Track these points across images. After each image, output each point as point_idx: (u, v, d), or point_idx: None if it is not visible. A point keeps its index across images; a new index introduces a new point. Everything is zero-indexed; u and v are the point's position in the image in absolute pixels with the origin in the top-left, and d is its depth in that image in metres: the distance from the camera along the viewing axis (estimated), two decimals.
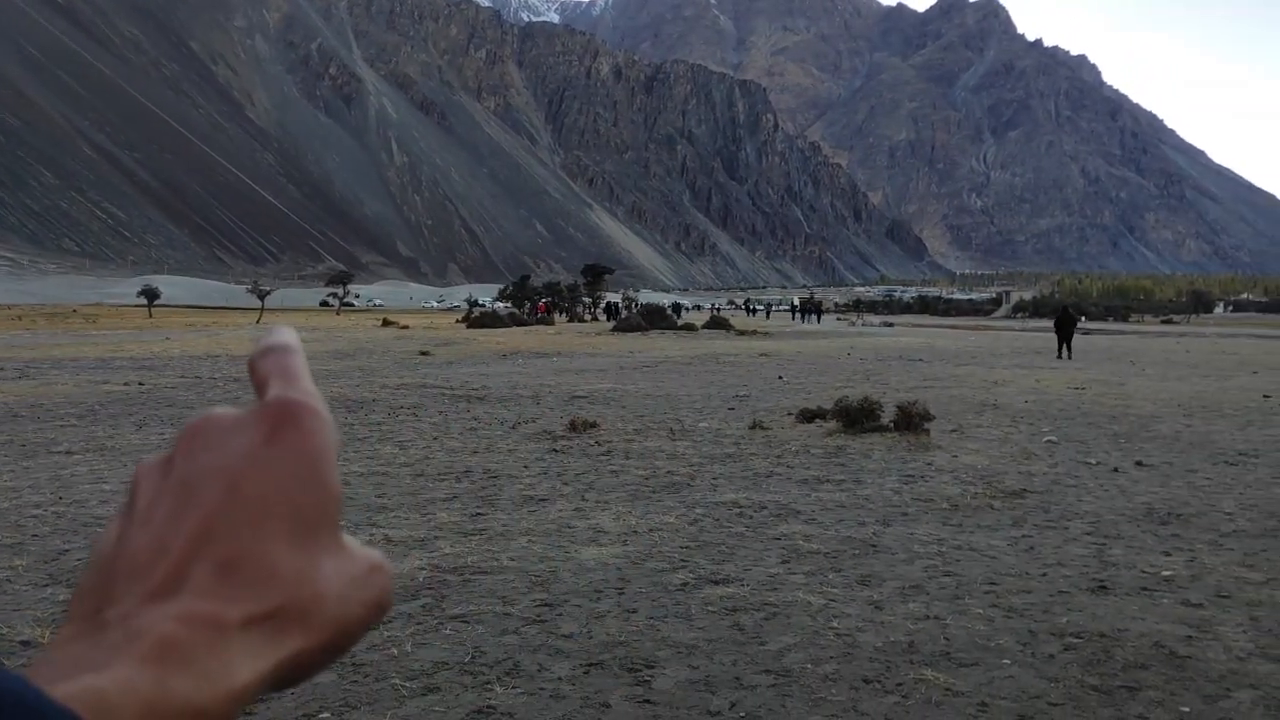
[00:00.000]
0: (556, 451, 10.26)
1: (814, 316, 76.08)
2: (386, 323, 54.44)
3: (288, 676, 0.37)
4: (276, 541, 0.37)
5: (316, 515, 0.39)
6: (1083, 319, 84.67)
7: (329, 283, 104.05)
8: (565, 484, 8.58)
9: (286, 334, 0.46)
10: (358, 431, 11.66)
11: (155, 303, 73.93)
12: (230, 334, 38.62)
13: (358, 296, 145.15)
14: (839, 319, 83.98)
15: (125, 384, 16.93)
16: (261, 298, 70.58)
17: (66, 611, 0.38)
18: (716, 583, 5.71)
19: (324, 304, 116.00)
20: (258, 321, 57.68)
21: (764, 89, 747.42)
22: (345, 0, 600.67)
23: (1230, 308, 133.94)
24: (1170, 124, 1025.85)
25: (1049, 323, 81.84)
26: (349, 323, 59.44)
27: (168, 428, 11.82)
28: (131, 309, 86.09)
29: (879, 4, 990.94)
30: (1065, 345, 27.91)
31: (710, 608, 5.26)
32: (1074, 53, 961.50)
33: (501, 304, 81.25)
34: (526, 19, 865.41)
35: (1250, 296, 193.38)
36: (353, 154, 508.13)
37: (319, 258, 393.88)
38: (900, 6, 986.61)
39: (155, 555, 0.37)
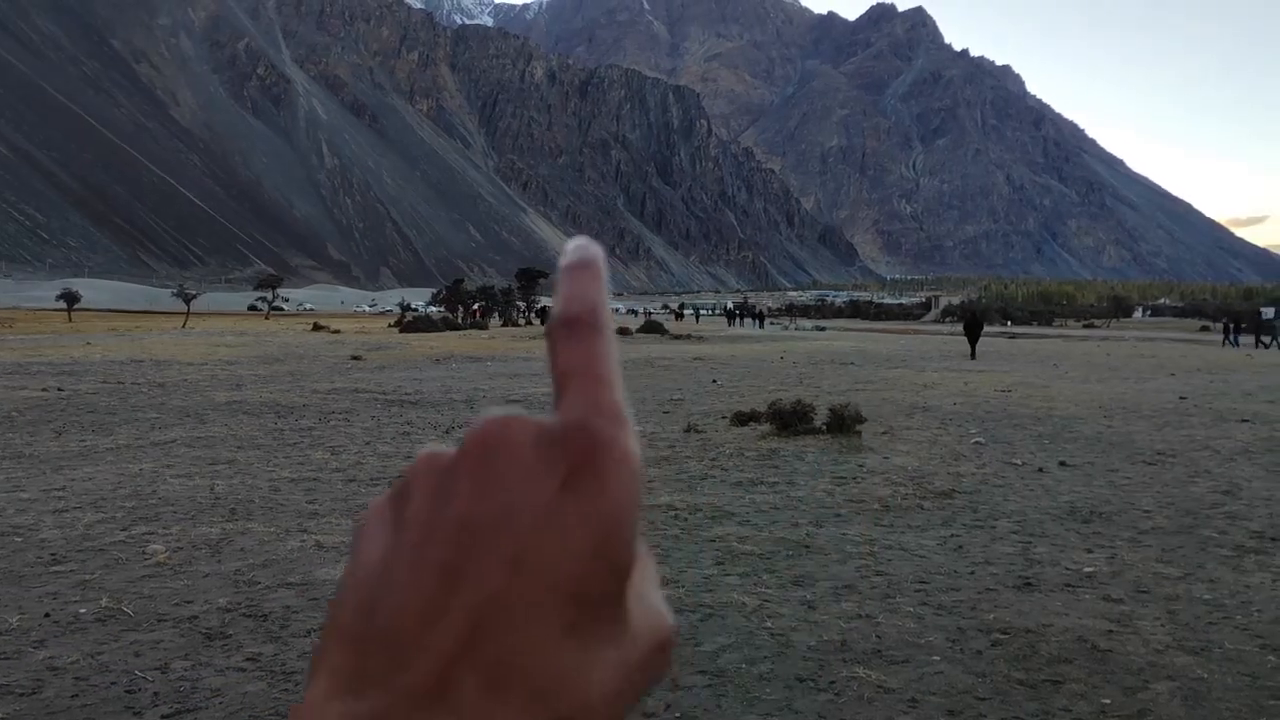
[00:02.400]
0: None
1: (755, 321, 76.19)
2: (317, 327, 53.60)
3: None
4: (552, 635, 0.32)
5: (602, 596, 0.33)
6: (1008, 323, 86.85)
7: (258, 286, 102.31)
8: None
9: (592, 289, 0.37)
10: (288, 437, 11.47)
11: (75, 307, 72.04)
12: (154, 338, 37.68)
13: (287, 300, 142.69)
14: (772, 323, 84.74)
15: (44, 390, 16.43)
16: (187, 301, 69.09)
17: (320, 644, 0.34)
18: None
19: (253, 308, 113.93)
20: (183, 326, 56.35)
21: (698, 94, 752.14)
22: (274, 0, 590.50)
23: (1149, 312, 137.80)
24: (1091, 133, 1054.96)
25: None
26: (279, 327, 58.40)
27: (89, 434, 11.49)
28: (50, 313, 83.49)
29: (810, 12, 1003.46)
30: (972, 346, 29.90)
31: None
32: (999, 63, 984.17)
33: (434, 308, 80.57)
34: (460, 21, 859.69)
35: (1167, 301, 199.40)
36: (282, 156, 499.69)
37: (247, 261, 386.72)
38: (831, 15, 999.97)
39: (423, 632, 0.32)
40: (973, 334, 30.08)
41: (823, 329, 69.27)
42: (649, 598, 0.35)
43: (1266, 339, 44.01)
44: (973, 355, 29.32)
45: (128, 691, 4.17)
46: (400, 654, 0.32)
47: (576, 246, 0.39)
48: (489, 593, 0.32)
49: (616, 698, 0.33)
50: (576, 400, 0.35)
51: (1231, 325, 46.02)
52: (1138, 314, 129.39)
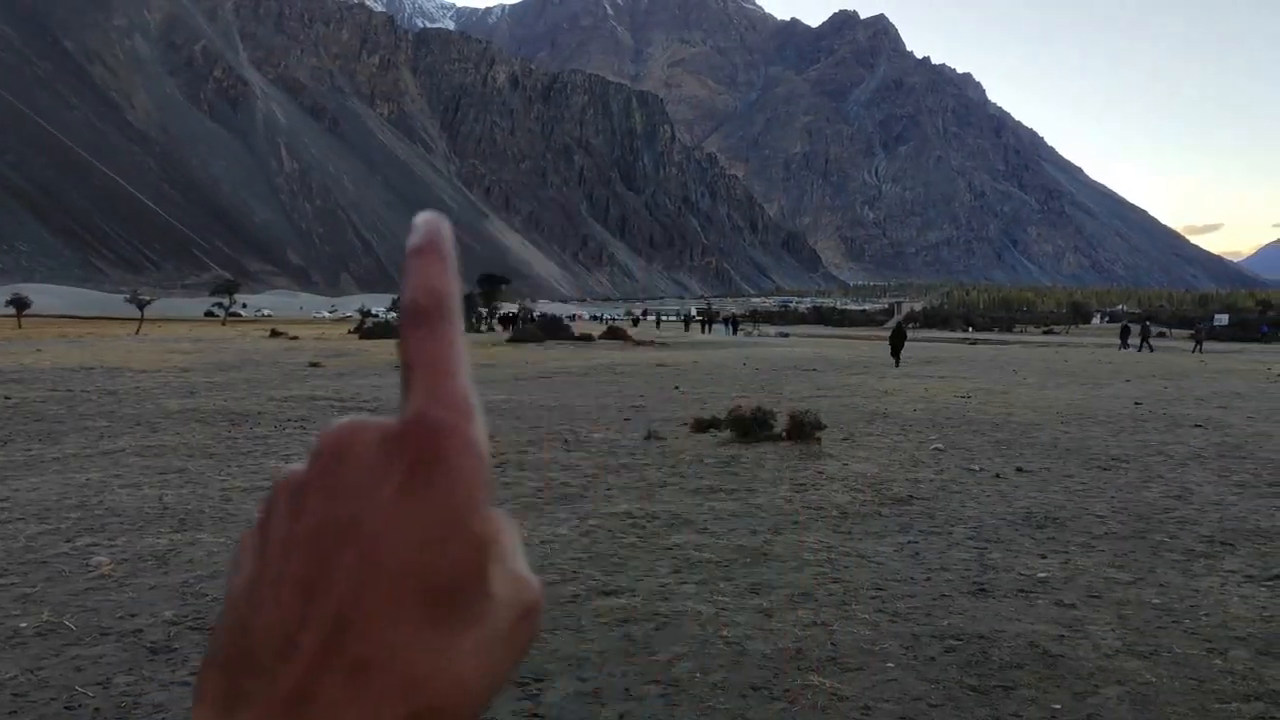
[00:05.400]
0: None
1: (726, 326, 76.09)
2: (275, 333, 52.98)
3: None
4: (413, 624, 0.33)
5: (458, 577, 0.34)
6: (969, 329, 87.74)
7: (214, 292, 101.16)
8: None
9: (437, 273, 0.37)
10: (241, 445, 11.30)
11: (25, 312, 70.74)
12: (107, 344, 37.08)
13: (245, 306, 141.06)
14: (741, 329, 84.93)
15: None
16: (141, 307, 68.13)
17: (199, 680, 0.35)
18: (608, 594, 5.69)
19: (209, 314, 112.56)
20: (137, 332, 55.52)
21: (661, 100, 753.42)
22: (231, 1, 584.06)
23: (1107, 318, 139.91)
24: (1050, 142, 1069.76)
25: (943, 333, 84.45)
26: (235, 333, 57.67)
27: (35, 443, 11.25)
28: None
29: (773, 18, 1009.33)
30: (896, 355, 29.97)
31: (601, 619, 5.24)
32: (960, 71, 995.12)
33: (395, 314, 79.99)
34: (421, 25, 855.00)
35: (1125, 308, 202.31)
36: (240, 159, 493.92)
37: (204, 266, 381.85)
38: (794, 21, 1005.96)
39: (286, 646, 0.33)
40: (897, 344, 30.41)
41: (786, 335, 69.59)
42: (514, 566, 0.36)
43: (1152, 342, 49.07)
44: (896, 363, 29.18)
45: (67, 708, 4.07)
46: (268, 669, 0.33)
47: (423, 223, 0.39)
48: (345, 598, 0.33)
49: (486, 675, 0.34)
50: (418, 393, 0.36)
51: (1122, 329, 52.51)
52: (1096, 320, 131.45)
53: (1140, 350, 45.35)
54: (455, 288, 0.38)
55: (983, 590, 5.87)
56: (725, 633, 5.04)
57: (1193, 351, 44.62)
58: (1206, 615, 5.42)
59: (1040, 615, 5.39)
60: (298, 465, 0.37)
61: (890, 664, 4.64)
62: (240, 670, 0.34)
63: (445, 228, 0.39)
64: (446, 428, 0.35)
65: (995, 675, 4.51)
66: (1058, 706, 4.16)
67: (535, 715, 4.06)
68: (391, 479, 0.34)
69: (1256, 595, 5.83)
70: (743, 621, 5.23)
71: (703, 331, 73.08)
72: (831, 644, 4.90)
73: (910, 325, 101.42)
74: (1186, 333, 68.80)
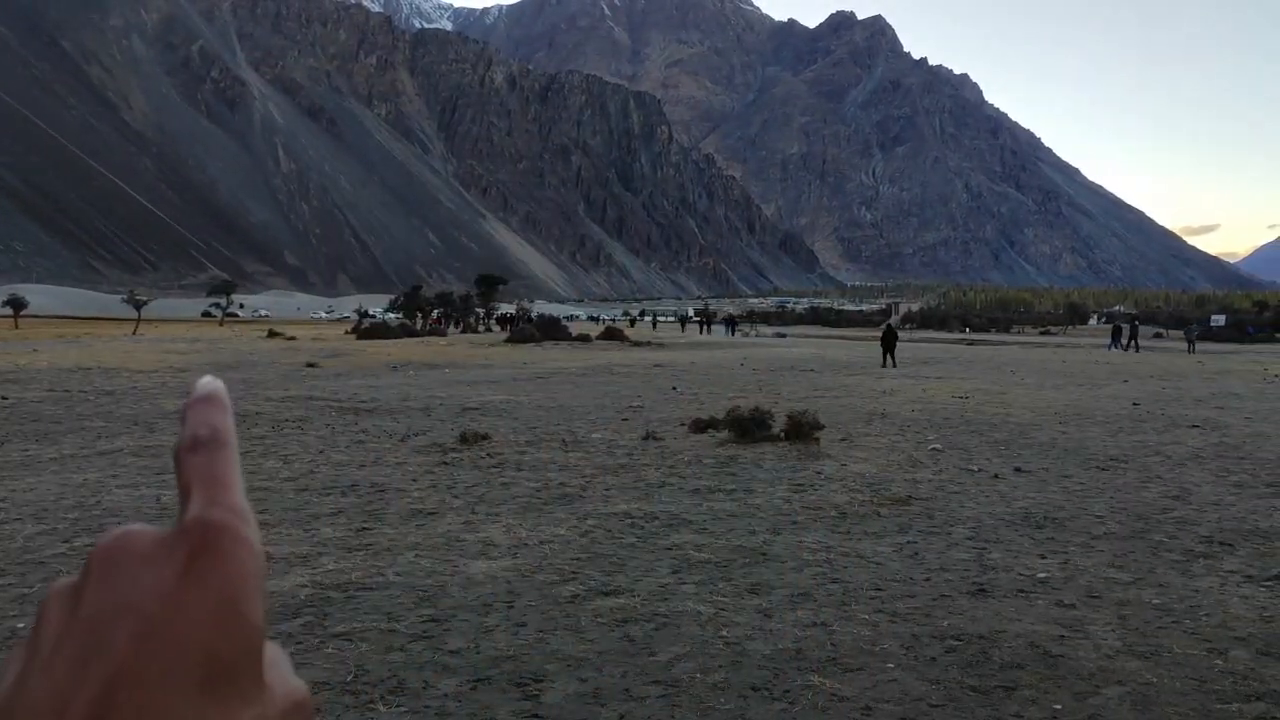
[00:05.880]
0: (446, 464, 10.10)
1: (725, 327, 76.15)
2: (272, 334, 52.95)
3: None
4: (187, 695, 0.34)
5: (234, 657, 0.36)
6: (966, 330, 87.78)
7: (211, 292, 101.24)
8: (455, 497, 8.44)
9: (215, 415, 0.43)
10: (239, 446, 11.26)
11: (22, 313, 70.69)
12: (104, 345, 37.02)
13: (242, 307, 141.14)
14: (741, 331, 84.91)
15: None
16: (138, 307, 68.09)
17: None
18: (607, 594, 5.68)
19: (207, 314, 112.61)
20: (134, 332, 55.45)
21: (658, 100, 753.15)
22: (229, 2, 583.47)
23: (1104, 319, 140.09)
24: (1047, 142, 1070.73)
25: (936, 334, 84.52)
26: (232, 334, 57.63)
27: (32, 444, 11.23)
28: None
29: (771, 19, 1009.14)
30: (889, 355, 30.00)
31: (600, 619, 5.23)
32: (957, 71, 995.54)
33: (392, 314, 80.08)
34: (419, 25, 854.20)
35: (1122, 308, 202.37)
36: (237, 160, 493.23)
37: (201, 266, 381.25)
38: (791, 22, 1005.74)
39: (56, 707, 0.34)
40: (888, 344, 30.33)
41: (784, 335, 69.60)
42: (283, 670, 0.40)
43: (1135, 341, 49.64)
44: (885, 364, 29.00)
45: None
46: None
47: (201, 383, 0.44)
48: (118, 664, 0.34)
49: None
50: (196, 502, 0.39)
51: (1114, 330, 53.69)
52: (1093, 320, 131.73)
53: (1127, 350, 45.71)
54: (231, 426, 0.43)
55: (982, 590, 5.86)
56: (725, 633, 5.03)
57: (1188, 352, 44.83)
58: (1206, 615, 5.42)
59: (1040, 615, 5.38)
60: (69, 577, 0.39)
61: (890, 664, 4.63)
62: None
63: (221, 385, 0.45)
64: (223, 525, 0.38)
65: (996, 675, 4.50)
66: (1059, 707, 4.16)
67: (535, 715, 4.05)
68: (169, 570, 0.36)
69: (1256, 595, 5.83)
70: (742, 622, 5.22)
71: (701, 332, 73.07)
72: (831, 644, 4.89)
73: (907, 326, 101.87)
74: (1183, 334, 69.08)
